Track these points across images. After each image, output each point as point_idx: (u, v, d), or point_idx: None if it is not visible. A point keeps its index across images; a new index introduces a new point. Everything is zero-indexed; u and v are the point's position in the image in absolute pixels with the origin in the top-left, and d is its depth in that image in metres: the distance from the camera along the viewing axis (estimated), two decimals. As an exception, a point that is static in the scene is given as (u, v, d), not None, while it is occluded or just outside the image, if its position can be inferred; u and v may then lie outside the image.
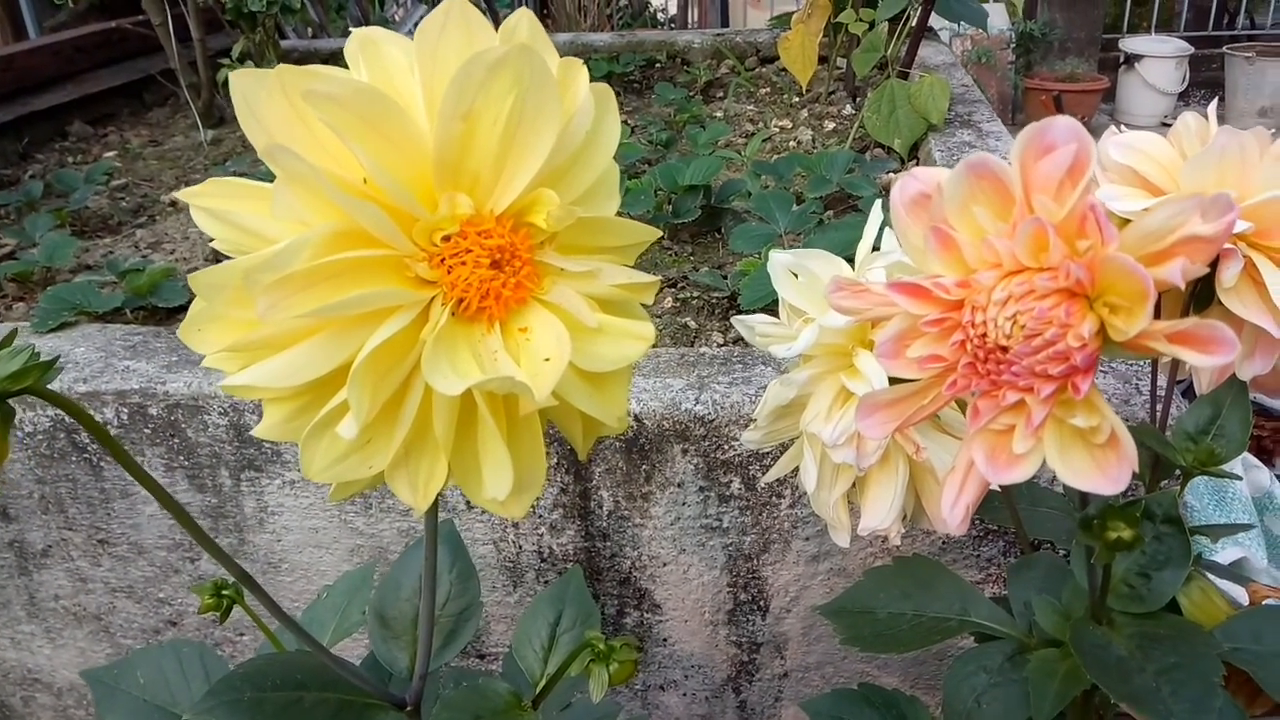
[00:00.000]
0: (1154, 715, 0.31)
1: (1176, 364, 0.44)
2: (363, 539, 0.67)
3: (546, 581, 0.65)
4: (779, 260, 0.44)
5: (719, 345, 0.68)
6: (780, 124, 1.29)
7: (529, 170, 0.27)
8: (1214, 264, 0.31)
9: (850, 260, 0.47)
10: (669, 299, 0.76)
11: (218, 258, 0.90)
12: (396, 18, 3.61)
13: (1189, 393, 0.50)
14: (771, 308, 0.71)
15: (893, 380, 0.32)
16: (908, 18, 1.20)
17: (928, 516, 0.44)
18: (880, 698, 0.49)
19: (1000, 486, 0.42)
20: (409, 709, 0.39)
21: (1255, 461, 0.87)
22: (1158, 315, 0.24)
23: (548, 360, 0.27)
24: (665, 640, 0.66)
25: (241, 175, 0.66)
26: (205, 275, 0.24)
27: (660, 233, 0.32)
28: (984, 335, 0.24)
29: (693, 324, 0.73)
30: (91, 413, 0.66)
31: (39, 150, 1.38)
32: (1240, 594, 0.54)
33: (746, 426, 0.59)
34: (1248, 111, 3.54)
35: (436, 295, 0.26)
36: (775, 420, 0.44)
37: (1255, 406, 0.66)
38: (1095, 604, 0.37)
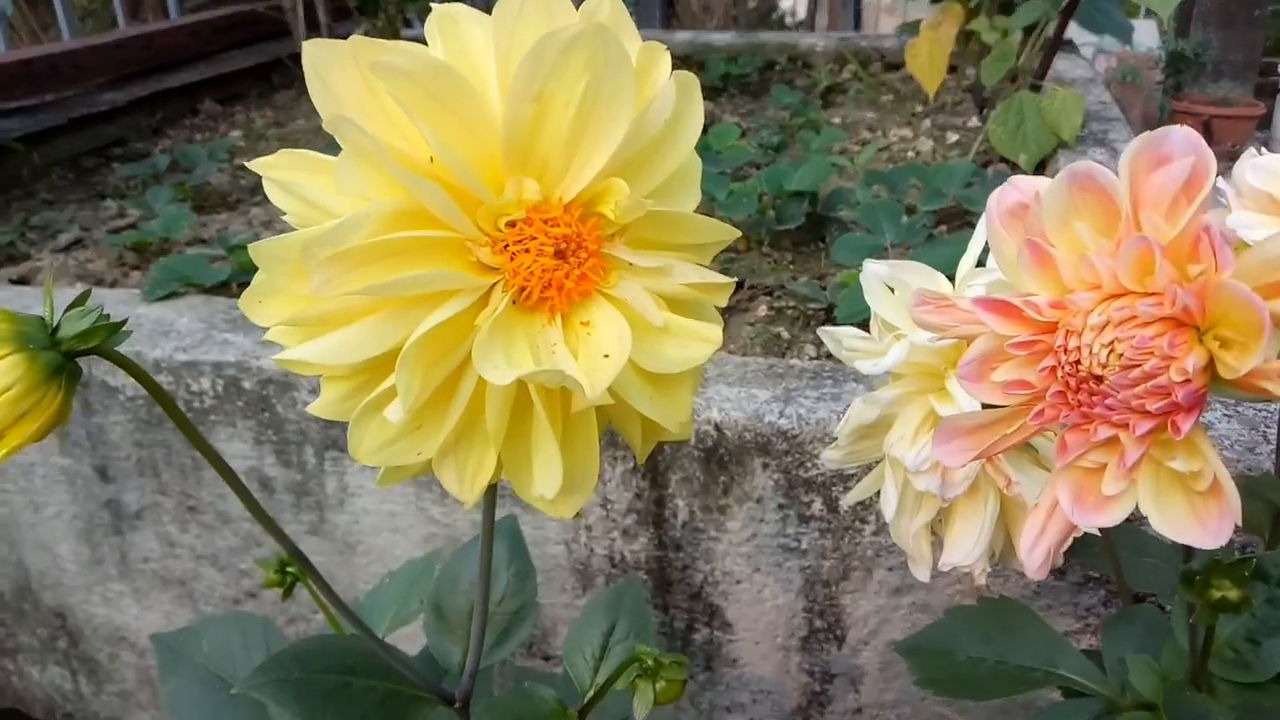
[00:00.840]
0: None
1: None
2: (437, 527, 0.67)
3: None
4: (873, 271, 0.42)
5: (810, 359, 0.66)
6: (900, 133, 1.25)
7: (600, 158, 0.25)
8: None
9: (952, 277, 0.44)
10: (763, 307, 0.74)
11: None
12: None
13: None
14: (869, 324, 0.68)
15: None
16: (1044, 27, 1.15)
17: (1017, 557, 0.41)
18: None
19: (1099, 530, 0.38)
20: (457, 705, 0.38)
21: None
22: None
23: (607, 357, 0.25)
24: (734, 661, 0.64)
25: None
26: (265, 246, 0.24)
27: (738, 233, 0.30)
28: (1077, 362, 0.22)
29: (785, 334, 0.71)
30: (189, 381, 0.68)
31: (171, 126, 1.45)
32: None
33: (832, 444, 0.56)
34: None
35: (497, 282, 0.25)
36: (858, 440, 0.42)
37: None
38: (1196, 668, 0.34)
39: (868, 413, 0.40)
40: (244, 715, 0.43)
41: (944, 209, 0.90)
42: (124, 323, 0.26)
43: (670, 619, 0.64)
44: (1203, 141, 0.21)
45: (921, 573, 0.40)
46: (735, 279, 0.31)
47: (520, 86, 0.24)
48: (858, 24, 4.03)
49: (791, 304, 0.74)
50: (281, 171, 0.25)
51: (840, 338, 0.42)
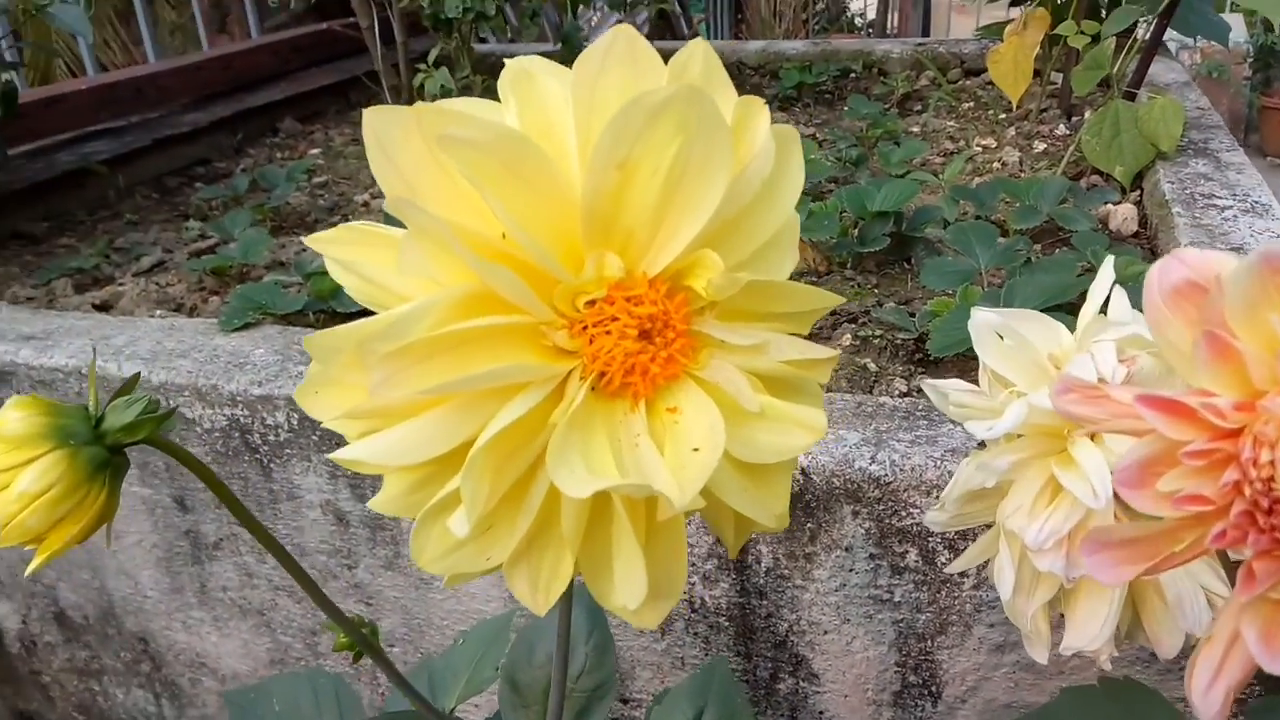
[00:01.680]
0: None
1: None
2: (511, 566, 0.65)
3: (696, 634, 0.61)
4: (982, 320, 0.38)
5: (900, 394, 0.62)
6: (983, 142, 1.20)
7: (691, 228, 0.23)
8: None
9: (1062, 308, 0.41)
10: (847, 336, 0.71)
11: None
12: (592, 23, 3.67)
13: None
14: (966, 358, 0.64)
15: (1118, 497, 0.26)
16: (1136, 31, 1.09)
17: (1145, 633, 0.37)
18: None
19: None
20: (531, 788, 0.36)
21: None
22: None
23: (696, 451, 0.23)
24: (821, 713, 0.61)
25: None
26: (320, 338, 0.22)
27: (841, 299, 0.27)
28: (1271, 479, 0.18)
29: (873, 366, 0.67)
30: (264, 415, 0.67)
31: (251, 145, 1.47)
32: None
33: (928, 493, 0.53)
34: None
35: (575, 368, 0.23)
36: (966, 504, 0.38)
37: None
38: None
39: (982, 478, 0.36)
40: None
41: (1037, 227, 0.85)
42: (172, 412, 0.24)
43: (753, 667, 0.61)
44: None
45: (1039, 654, 0.37)
46: (839, 351, 0.28)
47: (604, 155, 0.21)
48: (926, 26, 3.92)
49: (878, 333, 0.71)
50: (340, 248, 0.23)
51: (946, 392, 0.39)
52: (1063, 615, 0.37)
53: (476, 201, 0.22)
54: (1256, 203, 0.82)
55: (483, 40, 1.70)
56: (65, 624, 0.86)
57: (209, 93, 1.52)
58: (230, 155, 1.43)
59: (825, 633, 0.58)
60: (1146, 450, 0.21)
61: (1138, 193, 0.97)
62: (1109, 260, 0.38)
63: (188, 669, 0.83)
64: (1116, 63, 1.07)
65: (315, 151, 1.41)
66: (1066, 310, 0.60)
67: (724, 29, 4.25)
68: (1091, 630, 0.34)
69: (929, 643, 0.56)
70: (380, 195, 1.03)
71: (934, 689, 0.57)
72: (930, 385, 0.40)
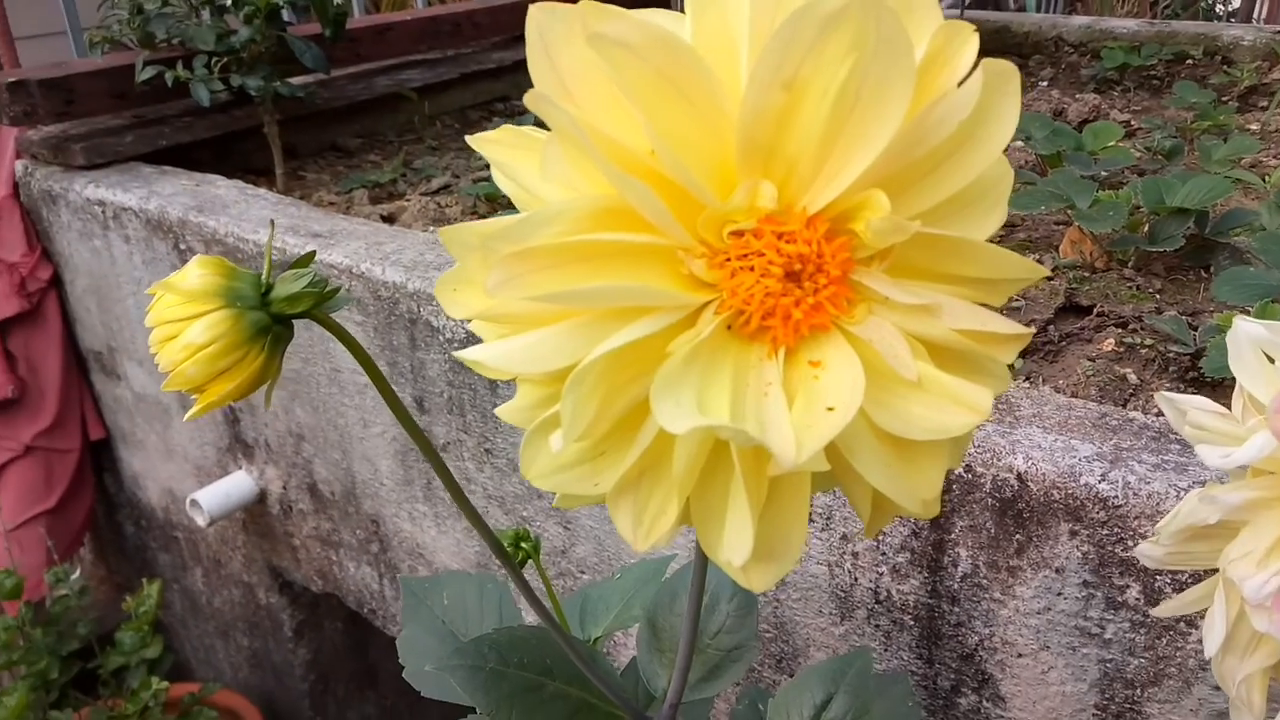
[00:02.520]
0: None
1: None
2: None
3: (877, 625, 0.58)
4: (1245, 332, 0.33)
5: (1157, 413, 0.55)
6: (1336, 149, 1.02)
7: (860, 162, 0.20)
8: None
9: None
10: (1110, 340, 0.63)
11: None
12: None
13: None
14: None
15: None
16: None
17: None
18: None
19: None
20: (653, 735, 0.35)
21: None
22: None
23: (830, 410, 0.21)
24: (1001, 738, 0.56)
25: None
26: (455, 231, 0.22)
27: (1045, 271, 0.24)
28: None
29: (1133, 378, 0.59)
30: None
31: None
32: None
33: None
34: None
35: (712, 301, 0.21)
36: (1186, 541, 0.33)
37: None
38: None
39: (1205, 513, 0.31)
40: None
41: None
42: (337, 290, 0.25)
43: (934, 674, 0.57)
44: None
45: (1247, 728, 0.31)
46: (1032, 330, 0.24)
47: (767, 70, 0.20)
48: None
49: (1148, 341, 0.63)
50: (498, 149, 0.23)
51: (1185, 408, 0.34)
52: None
53: (634, 114, 0.21)
54: None
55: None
56: (316, 495, 0.96)
57: (518, 33, 1.60)
58: (526, 93, 1.51)
59: (1020, 655, 0.53)
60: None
61: None
62: None
63: (408, 556, 0.90)
64: None
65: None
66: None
67: (1056, 3, 3.91)
68: (1319, 716, 0.28)
69: (1138, 691, 0.49)
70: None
71: (1137, 745, 0.51)
72: (1167, 398, 0.34)
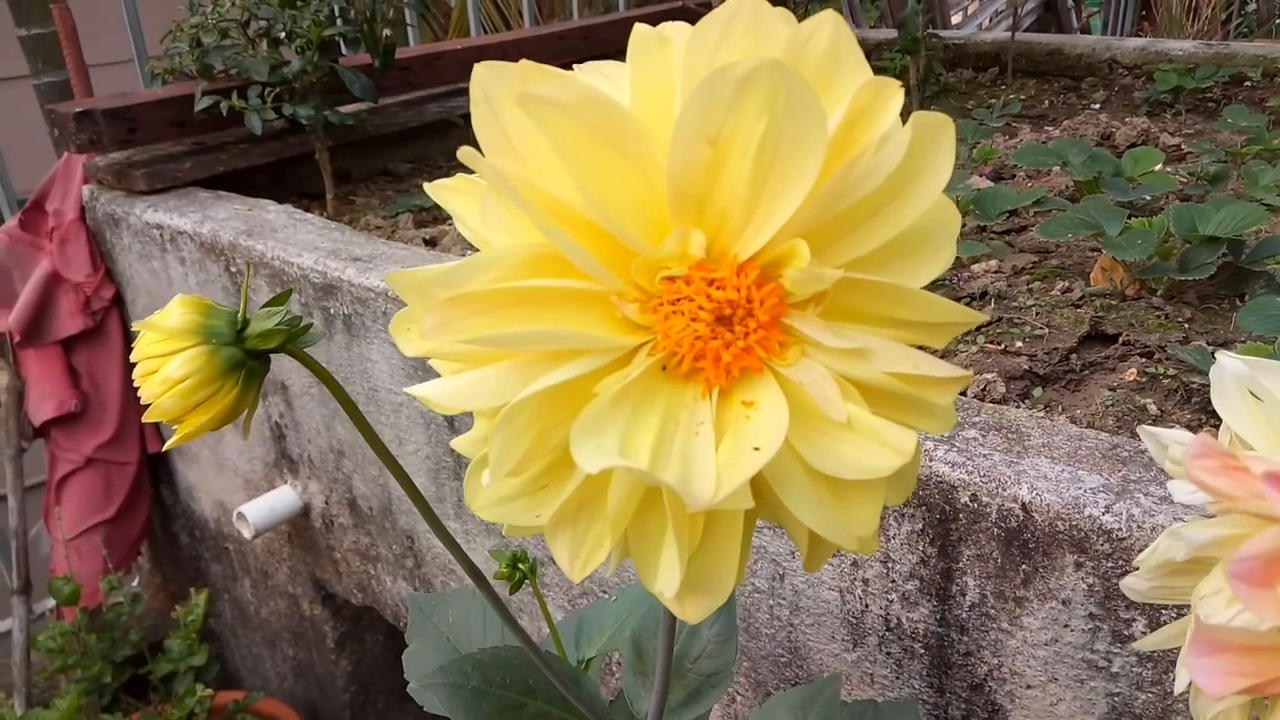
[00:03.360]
0: None
1: None
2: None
3: (889, 653, 0.58)
4: (1229, 370, 0.32)
5: (1173, 445, 0.54)
6: (1394, 172, 0.99)
7: (781, 215, 0.21)
8: None
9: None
10: (1133, 370, 0.63)
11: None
12: (968, 11, 3.48)
13: None
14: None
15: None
16: None
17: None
18: None
19: None
20: (634, 756, 0.36)
21: None
22: None
23: (757, 450, 0.22)
24: (1011, 771, 0.55)
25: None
26: (400, 277, 0.23)
27: (983, 318, 0.24)
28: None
29: (1153, 408, 0.59)
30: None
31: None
32: None
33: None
34: None
35: (646, 343, 0.22)
36: (1166, 577, 0.33)
37: None
38: None
39: (1175, 549, 0.31)
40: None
41: None
42: (309, 327, 0.27)
43: (945, 703, 0.57)
44: None
45: (1219, 771, 0.31)
46: (970, 374, 0.25)
47: (689, 127, 0.21)
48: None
49: (1172, 372, 0.62)
50: (452, 196, 0.24)
51: (1166, 442, 0.33)
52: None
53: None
54: None
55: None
56: (355, 510, 0.99)
57: (569, 60, 1.63)
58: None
59: (1028, 686, 0.53)
60: (1267, 544, 0.17)
61: None
62: None
63: (440, 572, 0.92)
64: None
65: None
66: None
67: (1124, 24, 3.82)
68: (1285, 759, 0.28)
69: (1145, 729, 0.48)
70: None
71: (1146, 783, 0.50)
72: (1149, 432, 0.34)
